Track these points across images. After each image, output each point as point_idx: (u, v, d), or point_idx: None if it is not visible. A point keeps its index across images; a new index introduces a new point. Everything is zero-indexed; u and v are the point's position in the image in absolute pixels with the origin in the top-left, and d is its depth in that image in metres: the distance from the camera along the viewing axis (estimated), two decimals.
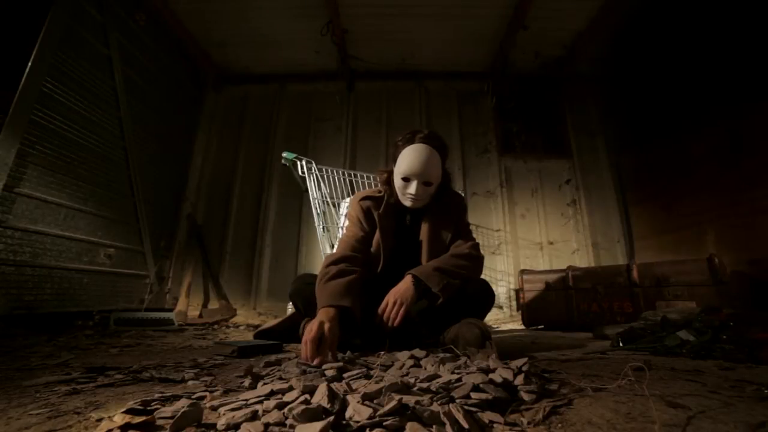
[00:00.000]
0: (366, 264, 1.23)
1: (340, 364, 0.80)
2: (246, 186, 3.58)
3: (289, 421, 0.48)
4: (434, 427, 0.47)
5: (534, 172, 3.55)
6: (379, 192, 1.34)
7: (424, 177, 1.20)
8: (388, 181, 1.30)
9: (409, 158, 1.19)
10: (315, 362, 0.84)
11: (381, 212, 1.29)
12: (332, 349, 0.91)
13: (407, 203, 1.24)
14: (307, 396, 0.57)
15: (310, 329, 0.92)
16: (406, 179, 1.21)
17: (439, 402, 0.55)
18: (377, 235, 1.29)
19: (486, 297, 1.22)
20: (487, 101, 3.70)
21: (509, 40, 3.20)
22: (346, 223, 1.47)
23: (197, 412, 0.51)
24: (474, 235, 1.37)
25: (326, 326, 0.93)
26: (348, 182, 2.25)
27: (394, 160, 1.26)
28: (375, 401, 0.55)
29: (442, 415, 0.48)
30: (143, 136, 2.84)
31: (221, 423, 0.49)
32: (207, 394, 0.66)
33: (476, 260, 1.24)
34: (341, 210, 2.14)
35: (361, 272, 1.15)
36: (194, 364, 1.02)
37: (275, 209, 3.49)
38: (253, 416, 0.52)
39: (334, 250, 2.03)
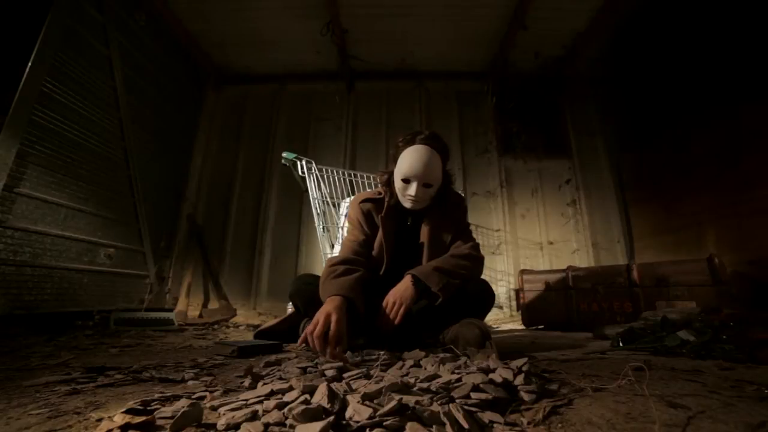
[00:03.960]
0: (368, 267, 1.23)
1: (346, 359, 0.81)
2: (246, 186, 3.58)
3: (289, 421, 0.48)
4: (434, 427, 0.47)
5: (534, 172, 3.55)
6: (379, 193, 1.33)
7: (425, 179, 1.19)
8: (389, 183, 1.29)
9: (409, 160, 1.18)
10: (326, 355, 0.85)
11: (383, 215, 1.28)
12: (340, 342, 0.92)
13: (407, 205, 1.24)
14: (307, 396, 0.57)
15: (316, 321, 0.93)
16: (407, 181, 1.20)
17: (439, 402, 0.55)
18: (379, 237, 1.28)
19: (486, 297, 1.22)
20: (487, 101, 3.69)
21: (509, 40, 3.20)
22: (346, 223, 1.47)
23: (197, 412, 0.51)
24: (474, 235, 1.37)
25: (333, 318, 0.94)
26: (348, 182, 2.25)
27: (395, 161, 1.25)
28: (375, 401, 0.55)
29: (442, 415, 0.48)
30: (143, 136, 2.84)
31: (221, 423, 0.49)
32: (207, 394, 0.66)
33: (476, 260, 1.24)
34: (341, 210, 2.14)
35: (365, 273, 1.16)
36: (194, 364, 1.02)
37: (275, 209, 3.49)
38: (253, 416, 0.52)
39: (335, 251, 2.05)
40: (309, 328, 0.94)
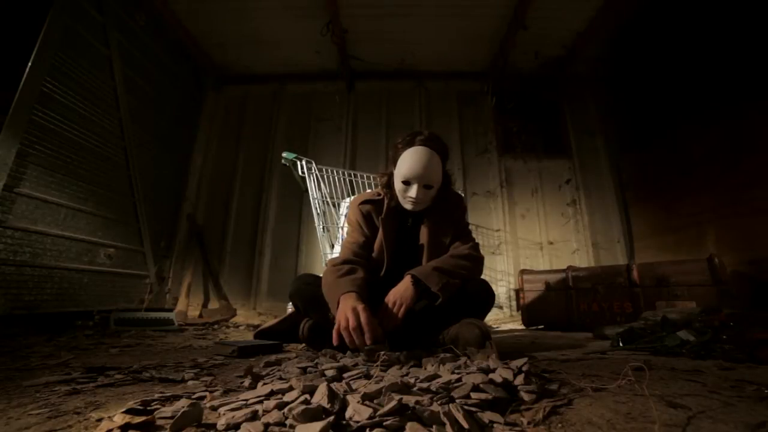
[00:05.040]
0: (368, 268, 1.23)
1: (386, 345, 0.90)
2: (246, 186, 3.58)
3: (289, 421, 0.48)
4: (434, 427, 0.47)
5: (534, 172, 3.55)
6: (378, 195, 1.33)
7: (425, 180, 1.19)
8: (389, 184, 1.29)
9: (409, 161, 1.18)
10: (366, 344, 0.91)
11: (383, 216, 1.28)
12: (376, 330, 0.95)
13: (408, 206, 1.24)
14: (307, 396, 0.57)
15: (344, 318, 0.95)
16: (407, 182, 1.20)
17: (439, 402, 0.55)
18: (379, 239, 1.28)
19: (486, 297, 1.22)
20: (487, 101, 3.69)
21: (509, 40, 3.19)
22: (346, 225, 1.47)
23: (197, 412, 0.52)
24: (474, 235, 1.37)
25: (360, 308, 0.96)
26: (348, 182, 2.25)
27: (394, 163, 1.25)
28: (375, 401, 0.55)
29: (442, 415, 0.48)
30: (143, 136, 2.84)
31: (221, 423, 0.49)
32: (207, 394, 0.66)
33: (476, 260, 1.24)
34: (341, 210, 2.14)
35: (366, 274, 1.16)
36: (194, 364, 1.02)
37: (275, 209, 3.49)
38: (253, 416, 0.52)
39: (335, 251, 2.05)
40: (340, 324, 0.96)
